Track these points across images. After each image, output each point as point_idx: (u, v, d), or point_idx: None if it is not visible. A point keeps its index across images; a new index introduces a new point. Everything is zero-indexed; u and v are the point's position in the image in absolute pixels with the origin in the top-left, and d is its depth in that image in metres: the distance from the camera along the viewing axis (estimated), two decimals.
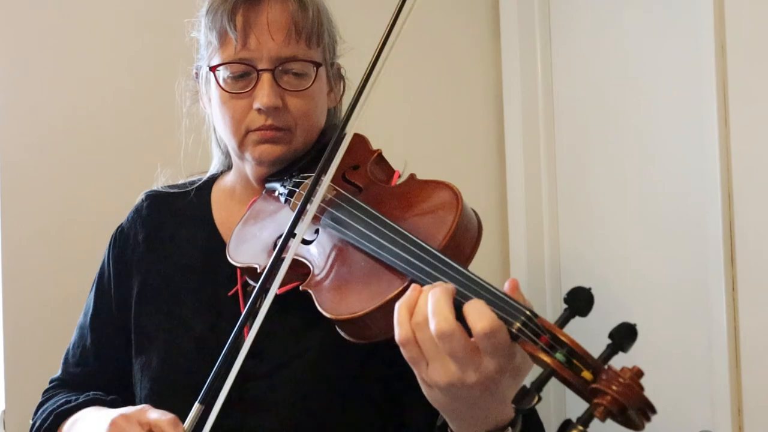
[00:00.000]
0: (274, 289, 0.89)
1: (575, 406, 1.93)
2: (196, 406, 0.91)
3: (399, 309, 0.80)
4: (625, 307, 1.80)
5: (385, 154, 1.15)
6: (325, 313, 0.91)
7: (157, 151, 1.80)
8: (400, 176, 1.13)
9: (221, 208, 1.22)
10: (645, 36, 1.76)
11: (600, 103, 1.91)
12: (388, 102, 1.95)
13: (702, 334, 1.57)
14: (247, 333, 0.92)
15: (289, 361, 1.06)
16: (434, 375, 0.79)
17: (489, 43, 2.19)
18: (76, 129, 1.84)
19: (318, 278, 0.97)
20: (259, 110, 1.08)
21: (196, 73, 1.19)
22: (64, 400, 1.15)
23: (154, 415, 0.95)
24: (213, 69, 1.10)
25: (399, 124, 2.04)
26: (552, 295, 2.05)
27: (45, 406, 1.19)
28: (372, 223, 0.94)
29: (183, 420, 0.92)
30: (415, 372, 0.81)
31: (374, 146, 1.16)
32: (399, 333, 0.79)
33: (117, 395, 1.21)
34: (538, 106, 2.07)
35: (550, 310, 2.04)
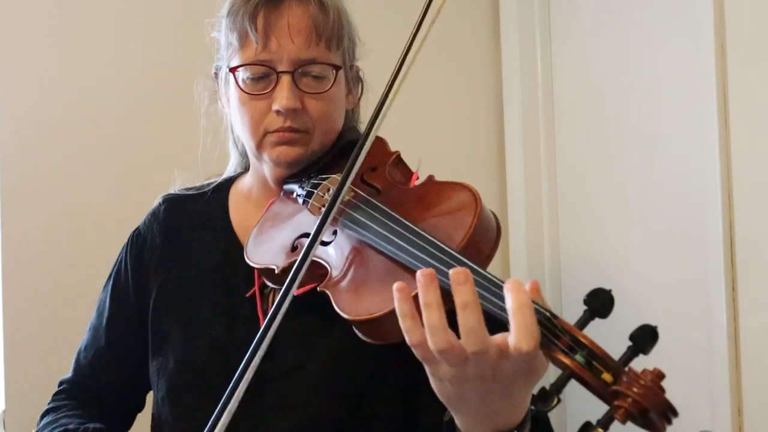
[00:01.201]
0: (292, 291, 0.89)
1: (576, 405, 1.93)
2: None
3: (402, 318, 0.78)
4: (625, 307, 1.80)
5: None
6: (342, 314, 0.91)
7: (158, 151, 1.81)
8: (418, 178, 1.13)
9: (238, 210, 1.22)
10: (645, 36, 1.77)
11: (600, 103, 1.91)
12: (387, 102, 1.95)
13: (702, 334, 1.57)
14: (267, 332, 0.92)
15: (304, 362, 1.06)
16: (447, 372, 0.78)
17: (489, 43, 2.19)
18: (75, 129, 1.84)
19: (336, 279, 0.97)
20: (277, 112, 1.08)
21: (215, 73, 1.19)
22: (62, 428, 1.15)
23: None
24: (233, 70, 1.11)
25: (399, 124, 2.04)
26: (552, 296, 2.05)
27: (48, 419, 1.19)
28: (390, 224, 0.94)
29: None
30: (427, 368, 0.81)
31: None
32: (410, 338, 0.78)
33: (128, 398, 1.23)
34: (538, 106, 2.08)
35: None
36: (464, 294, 0.75)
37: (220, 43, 1.16)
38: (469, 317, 0.75)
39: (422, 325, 0.77)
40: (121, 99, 1.87)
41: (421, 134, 2.10)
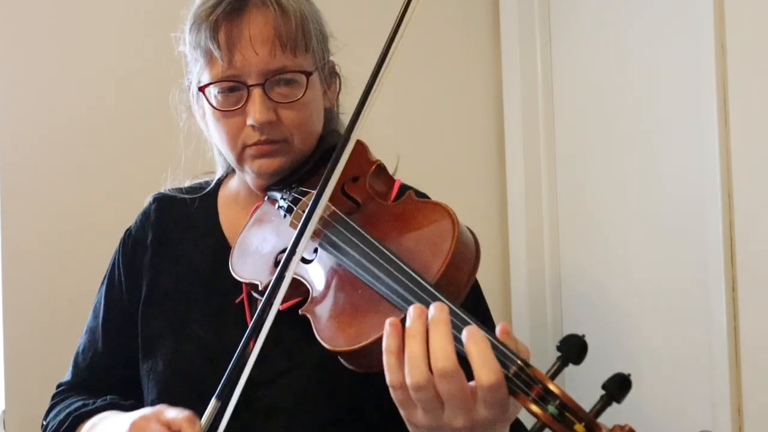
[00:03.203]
0: (275, 307, 0.89)
1: None
2: (213, 402, 0.90)
3: (387, 354, 0.79)
4: (625, 308, 1.80)
5: (384, 155, 1.13)
6: (323, 343, 0.91)
7: (157, 151, 1.80)
8: (400, 185, 1.11)
9: (227, 212, 1.21)
10: (645, 36, 1.76)
11: (600, 103, 1.91)
12: (387, 102, 1.95)
13: (702, 334, 1.57)
14: (253, 345, 0.92)
15: (291, 368, 1.06)
16: (422, 418, 0.78)
17: (489, 43, 2.19)
18: (76, 129, 1.84)
19: (316, 303, 0.96)
20: (252, 126, 1.07)
21: (189, 86, 1.17)
22: (81, 402, 1.15)
23: (172, 413, 0.95)
24: (202, 89, 1.09)
25: (398, 124, 2.04)
26: (552, 296, 2.05)
27: (59, 407, 1.18)
28: (366, 249, 0.93)
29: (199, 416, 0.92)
30: (402, 413, 0.80)
31: (374, 148, 1.13)
32: (390, 378, 0.78)
33: (130, 399, 1.20)
34: (538, 106, 2.07)
35: (550, 312, 2.04)
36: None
37: (186, 58, 1.14)
38: (437, 336, 0.77)
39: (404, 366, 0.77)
40: (122, 99, 1.86)
41: (421, 134, 2.10)
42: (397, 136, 2.01)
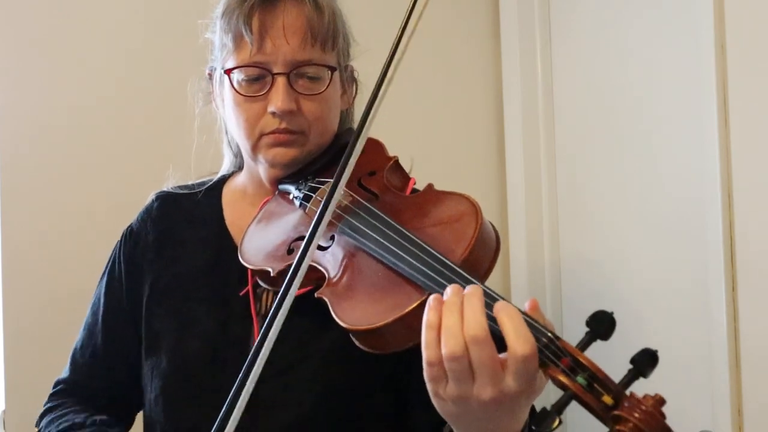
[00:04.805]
0: (291, 297, 0.89)
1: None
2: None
3: (428, 329, 0.80)
4: (625, 307, 1.80)
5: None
6: (341, 323, 0.90)
7: (158, 150, 1.81)
8: (415, 183, 1.12)
9: (232, 208, 1.22)
10: (645, 36, 1.77)
11: (600, 103, 1.91)
12: (386, 102, 1.95)
13: (702, 334, 1.57)
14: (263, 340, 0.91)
15: (298, 361, 1.06)
16: (452, 390, 0.79)
17: (489, 43, 2.19)
18: (76, 129, 1.84)
19: (334, 286, 0.96)
20: (273, 114, 1.08)
21: (210, 74, 1.19)
22: (70, 423, 1.15)
23: None
24: (228, 72, 1.10)
25: (399, 124, 2.04)
26: (552, 296, 2.05)
27: (51, 417, 1.18)
28: (390, 233, 0.93)
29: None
30: (429, 387, 0.81)
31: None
32: (428, 354, 0.79)
33: (128, 396, 1.21)
34: (538, 106, 2.08)
35: (549, 311, 2.04)
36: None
37: (213, 44, 1.16)
38: (470, 307, 0.79)
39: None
40: (122, 99, 1.86)
41: (421, 134, 2.10)
42: (397, 135, 2.01)
